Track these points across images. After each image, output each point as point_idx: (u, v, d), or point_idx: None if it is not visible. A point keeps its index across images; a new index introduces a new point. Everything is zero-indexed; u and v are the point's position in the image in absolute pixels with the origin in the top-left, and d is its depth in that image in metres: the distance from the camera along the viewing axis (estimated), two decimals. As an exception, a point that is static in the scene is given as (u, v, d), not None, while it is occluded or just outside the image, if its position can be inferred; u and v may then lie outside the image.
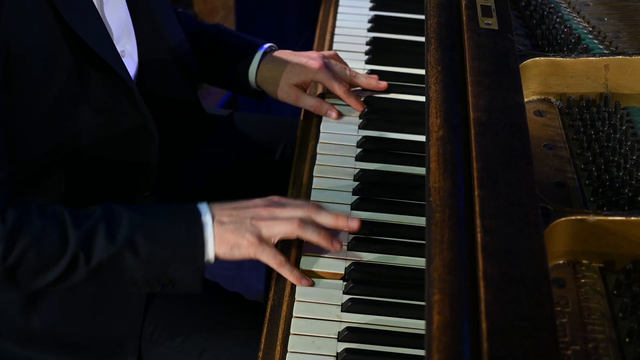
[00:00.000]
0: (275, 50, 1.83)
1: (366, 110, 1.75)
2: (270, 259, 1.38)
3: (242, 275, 2.83)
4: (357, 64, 1.89)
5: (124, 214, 1.38)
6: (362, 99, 1.76)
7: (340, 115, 1.74)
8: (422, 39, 1.92)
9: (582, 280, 1.19)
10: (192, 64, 1.75)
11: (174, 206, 1.42)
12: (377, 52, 1.93)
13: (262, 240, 1.38)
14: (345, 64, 1.81)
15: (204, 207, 1.40)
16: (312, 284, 1.38)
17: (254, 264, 2.91)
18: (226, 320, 1.59)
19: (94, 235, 1.35)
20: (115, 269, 1.36)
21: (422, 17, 1.93)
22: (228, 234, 1.38)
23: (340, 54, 1.86)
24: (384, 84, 1.79)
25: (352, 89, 1.76)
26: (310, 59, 1.75)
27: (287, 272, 1.38)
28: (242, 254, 1.38)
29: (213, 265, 1.44)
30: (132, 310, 1.58)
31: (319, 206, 1.42)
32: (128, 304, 1.58)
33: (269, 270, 2.23)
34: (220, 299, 1.65)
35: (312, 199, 1.52)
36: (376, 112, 1.75)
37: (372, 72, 1.85)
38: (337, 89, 1.74)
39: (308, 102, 1.75)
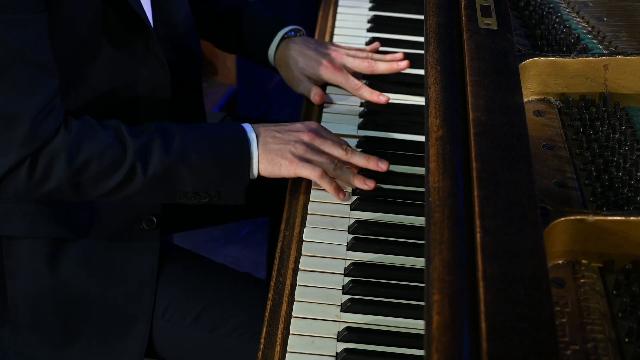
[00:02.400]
0: (302, 34, 1.87)
1: (365, 110, 1.75)
2: (310, 172, 1.51)
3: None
4: (357, 64, 1.89)
5: (177, 129, 1.50)
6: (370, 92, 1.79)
7: (339, 114, 1.74)
8: (421, 39, 1.93)
9: (582, 280, 1.19)
10: (197, 41, 1.78)
11: (221, 124, 1.56)
12: (376, 52, 1.92)
13: (302, 159, 1.52)
14: (367, 54, 1.85)
15: (248, 126, 1.54)
16: (348, 198, 1.52)
17: (253, 265, 2.91)
18: (236, 297, 1.64)
19: (150, 147, 1.46)
20: (168, 180, 1.48)
21: (422, 17, 1.94)
22: (272, 154, 1.51)
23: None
24: (404, 64, 1.84)
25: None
26: (328, 61, 1.79)
27: (327, 184, 1.52)
28: (283, 171, 1.52)
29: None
30: (144, 288, 1.62)
31: (352, 148, 1.55)
32: (141, 282, 1.62)
33: (268, 270, 2.24)
34: (229, 279, 1.69)
35: (311, 198, 1.53)
36: (375, 112, 1.75)
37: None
38: (352, 86, 1.79)
39: (305, 87, 1.80)
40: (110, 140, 1.45)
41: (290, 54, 1.81)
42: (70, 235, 1.59)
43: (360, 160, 1.55)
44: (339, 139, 1.57)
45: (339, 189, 1.52)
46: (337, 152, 1.54)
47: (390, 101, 1.78)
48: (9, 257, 1.60)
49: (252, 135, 1.52)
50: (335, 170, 1.53)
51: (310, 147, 1.53)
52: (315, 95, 1.77)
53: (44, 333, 1.61)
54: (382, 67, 1.82)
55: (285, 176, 1.53)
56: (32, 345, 1.61)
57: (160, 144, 1.46)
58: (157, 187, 1.48)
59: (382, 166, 1.55)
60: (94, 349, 1.62)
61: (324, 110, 1.76)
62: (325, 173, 1.52)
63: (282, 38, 1.83)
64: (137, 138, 1.46)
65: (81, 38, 1.48)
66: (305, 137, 1.54)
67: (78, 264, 1.60)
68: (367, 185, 1.53)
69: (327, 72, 1.78)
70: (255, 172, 1.52)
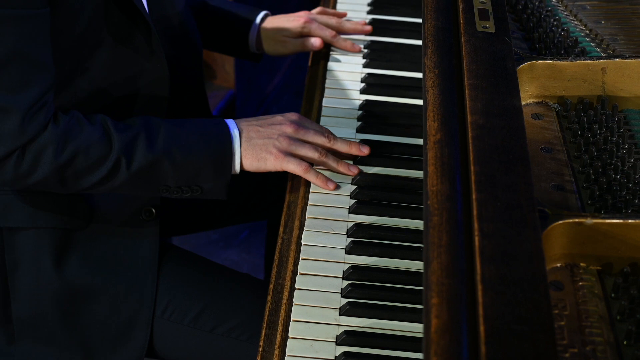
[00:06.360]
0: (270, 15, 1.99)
1: (363, 113, 1.75)
2: (296, 166, 1.54)
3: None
4: (355, 67, 1.89)
5: (162, 124, 1.53)
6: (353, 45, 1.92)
7: (337, 117, 1.75)
8: (419, 42, 1.93)
9: (580, 283, 1.19)
10: (196, 34, 1.82)
11: (204, 120, 1.57)
12: (374, 55, 1.93)
13: (287, 153, 1.55)
14: (336, 15, 1.98)
15: (231, 122, 1.56)
16: (338, 187, 1.54)
17: (252, 268, 2.91)
18: (236, 297, 1.66)
19: (135, 143, 1.49)
20: (152, 175, 1.51)
21: (420, 20, 1.94)
22: (256, 149, 1.55)
23: (338, 57, 1.89)
24: (368, 27, 1.96)
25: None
26: (297, 15, 1.92)
27: (313, 177, 1.54)
28: (269, 166, 1.55)
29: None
30: (145, 281, 1.63)
31: (333, 134, 1.59)
32: (141, 275, 1.63)
33: (267, 274, 2.24)
34: (229, 279, 1.71)
35: (310, 202, 1.53)
36: (374, 115, 1.75)
37: (369, 75, 1.85)
38: (326, 35, 1.90)
39: (295, 44, 1.92)
40: (96, 135, 1.47)
41: (267, 27, 1.94)
42: (71, 224, 1.61)
43: (343, 146, 1.59)
44: (320, 128, 1.60)
45: (326, 180, 1.54)
46: (320, 141, 1.58)
47: (388, 104, 1.79)
48: (12, 251, 1.61)
49: (235, 132, 1.55)
50: (321, 158, 1.55)
51: (293, 139, 1.56)
52: (313, 43, 1.89)
53: (45, 329, 1.61)
54: (348, 27, 1.95)
55: (270, 170, 1.56)
56: (33, 341, 1.61)
57: (144, 140, 1.49)
58: (140, 181, 1.51)
59: (363, 150, 1.59)
60: (97, 345, 1.62)
61: (322, 113, 1.76)
62: (310, 167, 1.55)
63: (261, 20, 1.95)
64: (122, 133, 1.49)
65: (82, 31, 1.50)
66: (288, 130, 1.56)
67: (80, 257, 1.61)
68: (351, 171, 1.56)
69: (302, 24, 1.90)
70: (237, 168, 1.55)
